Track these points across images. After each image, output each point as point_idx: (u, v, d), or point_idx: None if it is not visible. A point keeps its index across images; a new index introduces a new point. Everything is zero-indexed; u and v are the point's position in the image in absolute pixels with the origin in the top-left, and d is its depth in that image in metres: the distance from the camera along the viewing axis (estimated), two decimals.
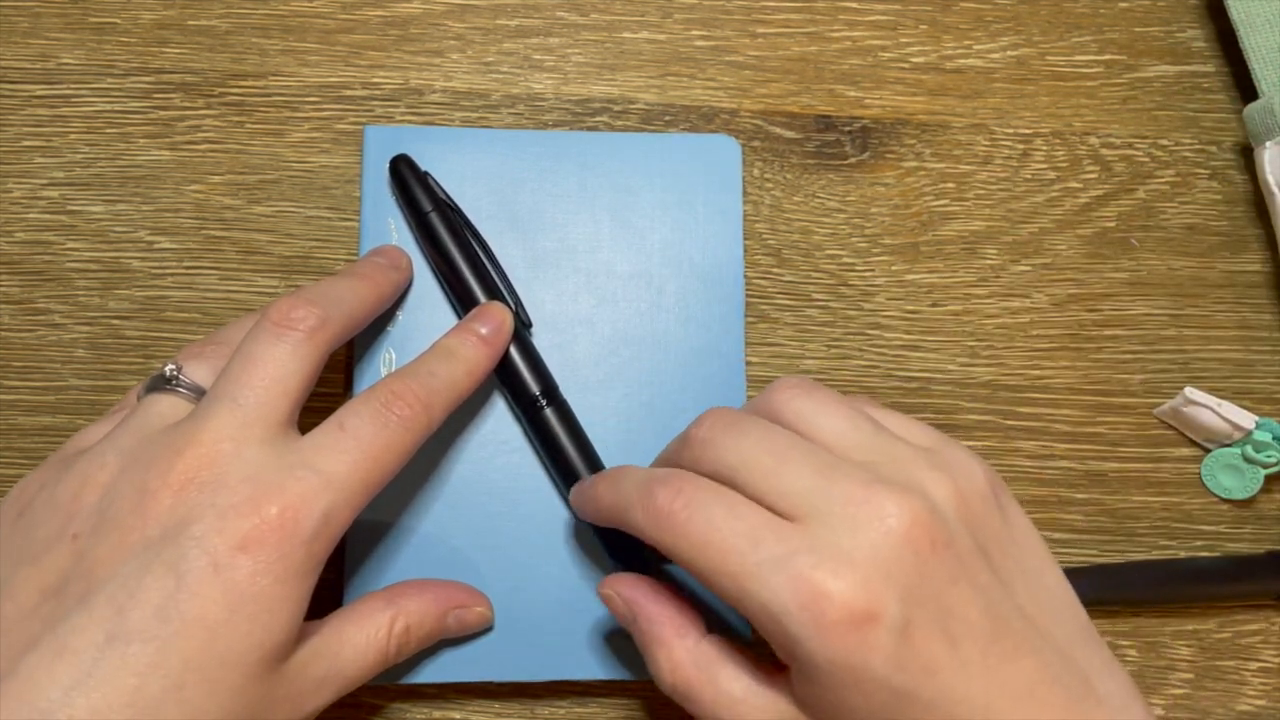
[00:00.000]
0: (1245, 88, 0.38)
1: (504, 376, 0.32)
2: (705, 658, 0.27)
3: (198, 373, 0.29)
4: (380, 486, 0.27)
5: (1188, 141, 0.39)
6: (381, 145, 0.34)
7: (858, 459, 0.26)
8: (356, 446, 0.27)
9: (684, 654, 0.27)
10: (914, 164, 0.37)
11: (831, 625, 0.23)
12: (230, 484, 0.25)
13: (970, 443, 0.36)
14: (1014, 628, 0.25)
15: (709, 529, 0.25)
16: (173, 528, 0.25)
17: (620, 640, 0.32)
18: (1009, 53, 0.38)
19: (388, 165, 0.34)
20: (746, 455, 0.26)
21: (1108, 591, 0.35)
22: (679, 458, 0.28)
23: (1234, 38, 0.37)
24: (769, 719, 0.26)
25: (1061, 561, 0.36)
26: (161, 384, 0.28)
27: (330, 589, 0.33)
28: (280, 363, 0.27)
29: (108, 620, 0.24)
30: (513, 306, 0.33)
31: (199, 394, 0.28)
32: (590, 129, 0.36)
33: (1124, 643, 0.36)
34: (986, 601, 0.25)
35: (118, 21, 0.36)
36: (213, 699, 0.24)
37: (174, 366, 0.28)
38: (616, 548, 0.32)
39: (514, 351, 0.32)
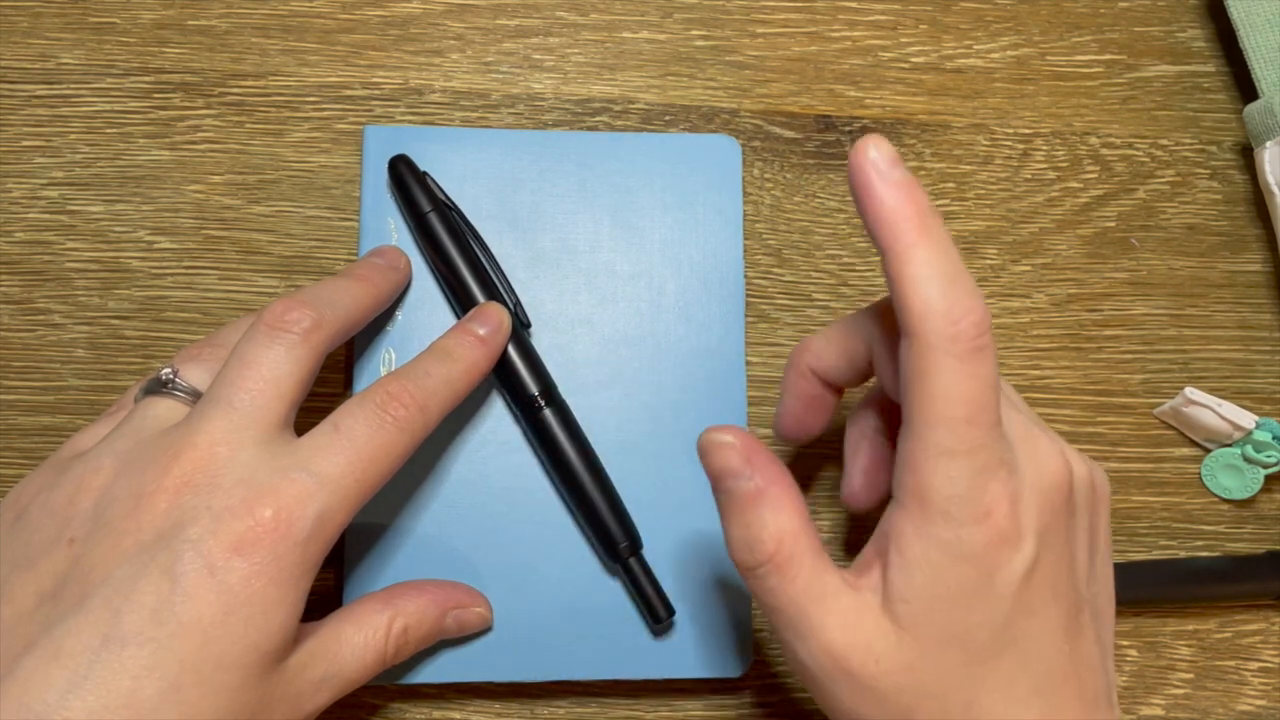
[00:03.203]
0: (1245, 88, 0.38)
1: (503, 377, 0.32)
2: (812, 535, 0.25)
3: (194, 375, 0.29)
4: (376, 488, 0.27)
5: (1188, 141, 0.39)
6: (381, 145, 0.34)
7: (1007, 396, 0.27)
8: (351, 448, 0.27)
9: (796, 523, 0.25)
10: (914, 164, 0.37)
11: (982, 528, 0.24)
12: (225, 487, 0.25)
13: None
14: (1084, 616, 0.26)
15: None
16: (168, 531, 0.25)
17: (620, 640, 0.32)
18: (1009, 53, 0.38)
19: (387, 165, 0.34)
20: None
21: None
22: None
23: (1234, 38, 0.37)
24: (853, 614, 0.25)
25: None
26: (158, 387, 0.28)
27: (331, 590, 0.33)
28: (275, 365, 0.27)
29: (103, 623, 0.24)
30: (511, 307, 0.33)
31: (195, 397, 0.28)
32: (590, 129, 0.36)
33: (1124, 643, 0.36)
34: (1076, 580, 0.26)
35: (118, 21, 0.36)
36: (209, 700, 0.24)
37: (170, 370, 0.29)
38: (601, 538, 0.32)
39: (513, 352, 0.32)
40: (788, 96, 0.37)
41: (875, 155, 0.24)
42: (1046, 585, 0.25)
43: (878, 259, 0.37)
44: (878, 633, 0.25)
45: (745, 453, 0.26)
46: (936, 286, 0.24)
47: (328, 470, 0.26)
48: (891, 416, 0.30)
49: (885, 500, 0.30)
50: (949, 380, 0.24)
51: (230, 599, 0.24)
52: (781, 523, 0.25)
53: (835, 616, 0.25)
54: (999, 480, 0.24)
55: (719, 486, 0.26)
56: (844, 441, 0.31)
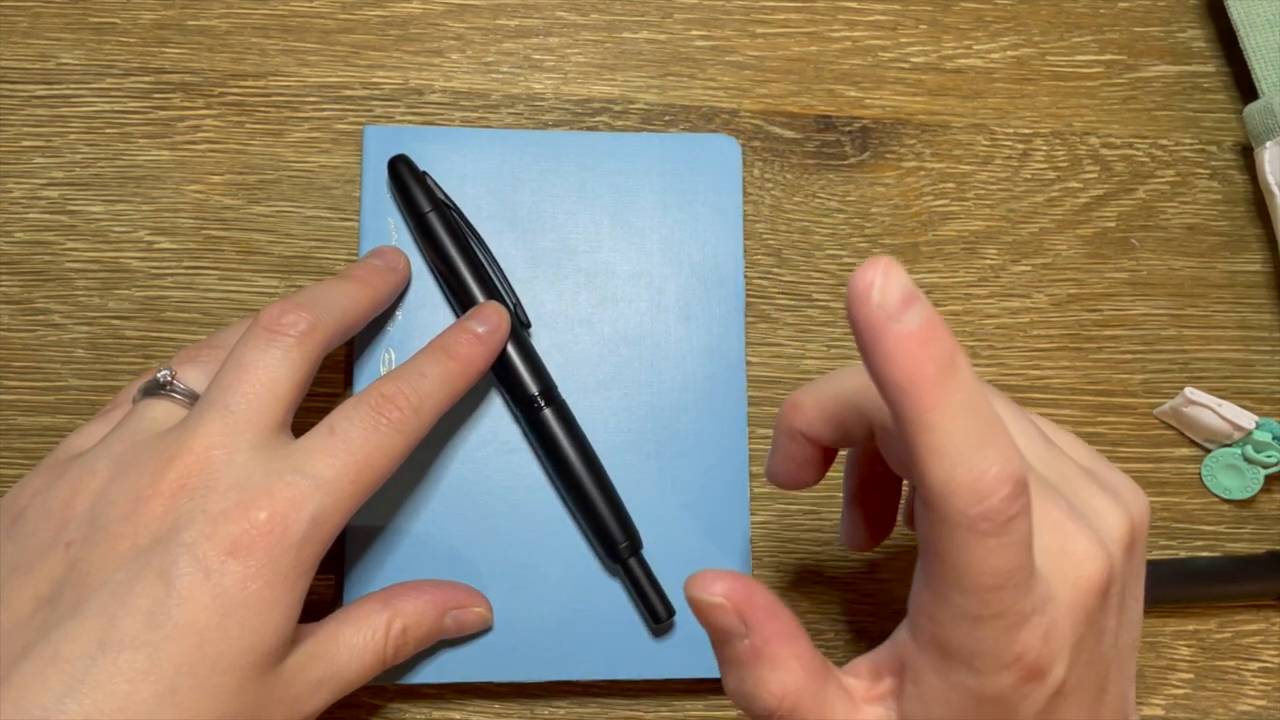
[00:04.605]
0: (1245, 88, 0.38)
1: (502, 376, 0.32)
2: (817, 680, 0.23)
3: (192, 377, 0.29)
4: (372, 489, 0.27)
5: (1188, 141, 0.39)
6: (381, 145, 0.34)
7: (1039, 472, 0.24)
8: (346, 450, 0.27)
9: (797, 678, 0.23)
10: (914, 164, 0.37)
11: (1010, 672, 0.21)
12: (220, 490, 0.25)
13: None
14: (1110, 676, 0.24)
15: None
16: (163, 534, 0.25)
17: (620, 640, 0.32)
18: (1009, 53, 0.38)
19: (386, 165, 0.34)
20: None
21: None
22: None
23: (1234, 38, 0.37)
24: None
25: None
26: (155, 388, 0.28)
27: (330, 590, 0.33)
28: (270, 368, 0.27)
29: (99, 628, 0.24)
30: (511, 306, 0.33)
31: (193, 399, 0.28)
32: (590, 129, 0.36)
33: None
34: (1103, 650, 0.24)
35: (118, 21, 0.36)
36: (205, 703, 0.24)
37: (168, 371, 0.29)
38: (598, 535, 0.32)
39: (512, 351, 0.32)
40: (788, 96, 0.37)
41: (880, 297, 0.19)
42: (1074, 691, 0.22)
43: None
44: None
45: (738, 609, 0.23)
46: (961, 460, 0.20)
47: (323, 473, 0.26)
48: (893, 458, 0.27)
49: (886, 537, 0.28)
50: (976, 556, 0.20)
51: (226, 602, 0.24)
52: (783, 679, 0.23)
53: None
54: (1029, 628, 0.21)
55: (713, 641, 0.24)
56: (844, 481, 0.29)
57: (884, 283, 0.19)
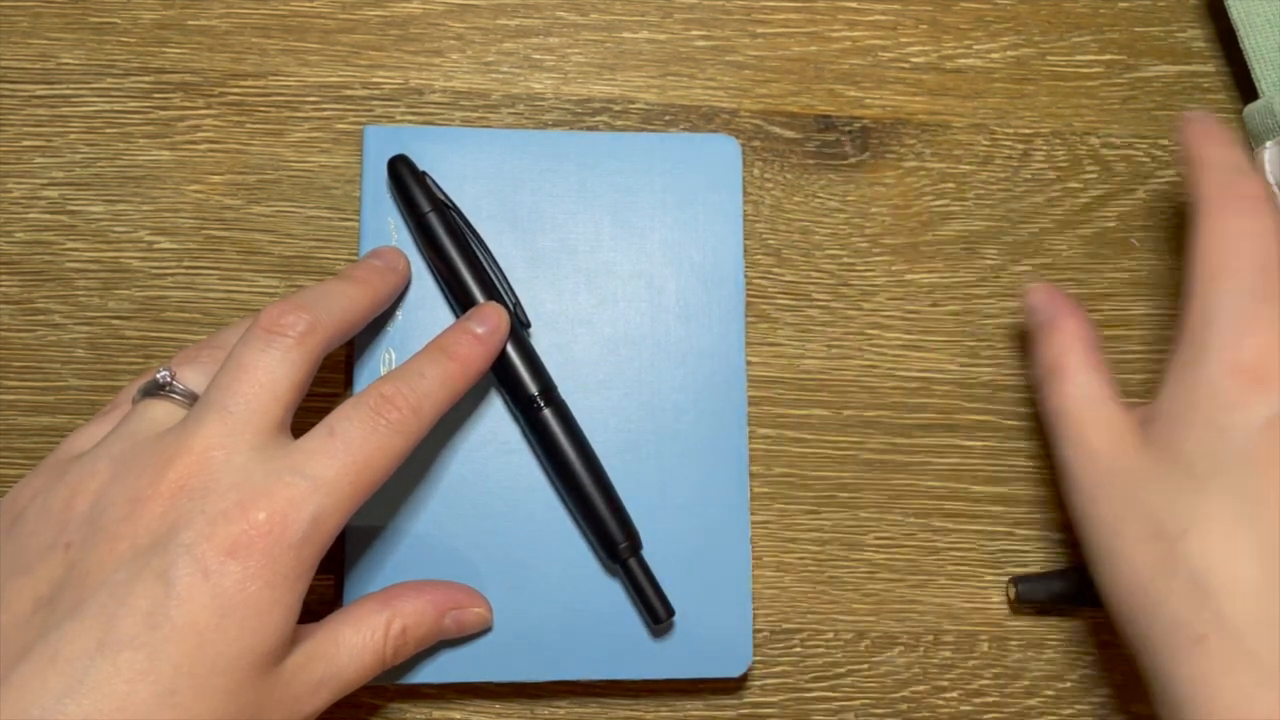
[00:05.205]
0: (1245, 87, 0.38)
1: (502, 376, 0.32)
2: (1091, 399, 0.30)
3: (191, 378, 0.29)
4: (372, 490, 0.27)
5: None
6: (381, 145, 0.34)
7: None
8: (346, 451, 0.27)
9: (1078, 389, 0.30)
10: (914, 164, 0.37)
11: (1233, 356, 0.27)
12: (219, 490, 0.25)
13: (970, 443, 0.36)
14: None
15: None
16: (163, 535, 0.25)
17: (620, 640, 0.32)
18: (1009, 53, 0.38)
19: (386, 165, 0.34)
20: None
21: None
22: None
23: (1234, 38, 0.37)
24: (1113, 423, 0.30)
25: (1062, 562, 0.36)
26: (155, 389, 0.28)
27: (330, 590, 0.33)
28: (270, 369, 0.27)
29: (99, 628, 0.24)
30: (511, 307, 0.33)
31: (192, 399, 0.28)
32: (590, 129, 0.36)
33: None
34: None
35: (118, 21, 0.36)
36: (204, 704, 0.24)
37: (167, 372, 0.29)
38: (602, 538, 0.32)
39: (512, 351, 0.32)
40: (788, 96, 0.37)
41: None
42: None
43: (878, 259, 0.37)
44: (1128, 444, 0.29)
45: (1047, 294, 0.33)
46: None
47: (322, 474, 0.26)
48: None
49: None
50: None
51: (225, 602, 0.24)
52: (1068, 341, 0.31)
53: (1098, 421, 0.30)
54: (1265, 321, 0.27)
55: (1030, 320, 0.33)
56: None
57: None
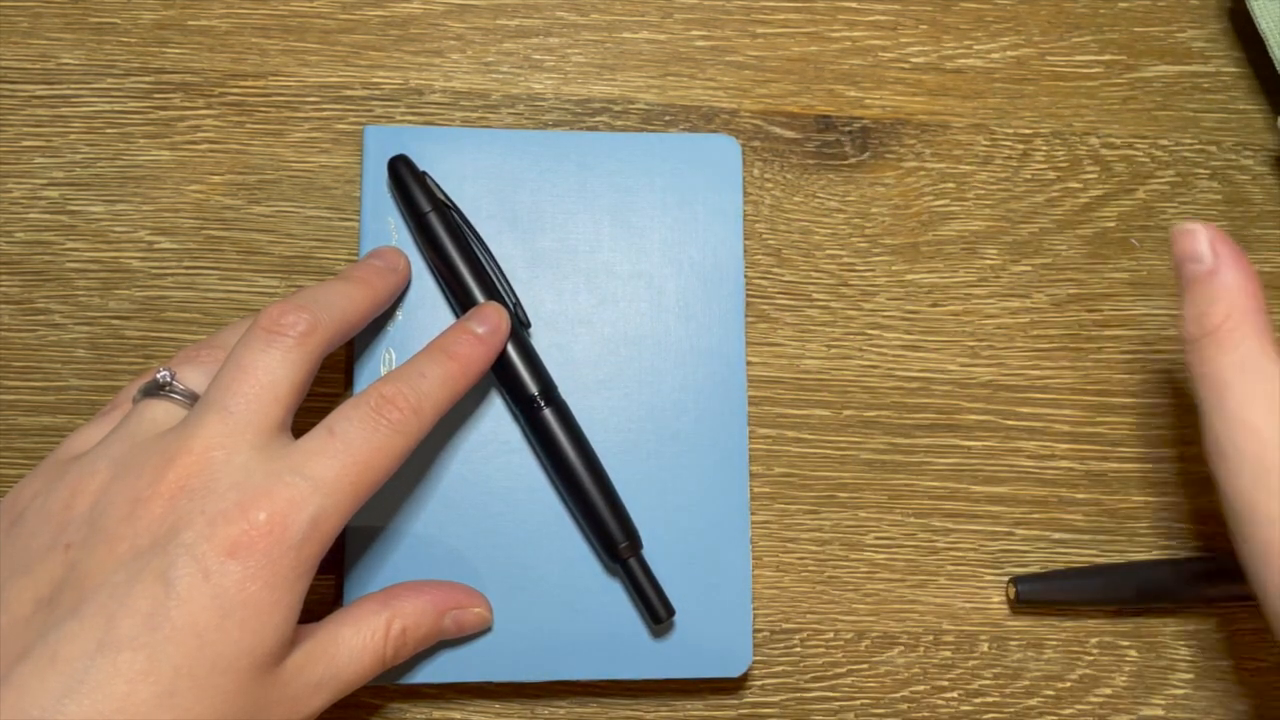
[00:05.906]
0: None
1: (502, 377, 0.32)
2: (1258, 371, 0.27)
3: (191, 378, 0.29)
4: (372, 490, 0.27)
5: (1188, 141, 0.38)
6: (381, 145, 0.34)
7: None
8: (346, 451, 0.27)
9: (1242, 357, 0.27)
10: (914, 164, 0.37)
11: None
12: (219, 490, 0.25)
13: (970, 443, 0.36)
14: None
15: None
16: (163, 536, 0.25)
17: (620, 640, 0.32)
18: (1009, 53, 0.38)
19: (386, 165, 0.34)
20: None
21: (1108, 591, 0.35)
22: None
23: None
24: (1277, 395, 0.27)
25: (1061, 562, 0.36)
26: (155, 389, 0.28)
27: (330, 590, 0.33)
28: (270, 369, 0.27)
29: (99, 629, 0.24)
30: (511, 307, 0.33)
31: (192, 399, 0.28)
32: (590, 129, 0.36)
33: (1124, 643, 0.36)
34: None
35: (118, 21, 0.36)
36: (204, 704, 0.24)
37: (167, 372, 0.29)
38: (600, 536, 0.32)
39: (512, 351, 0.32)
40: (788, 96, 0.37)
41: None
42: None
43: (878, 259, 0.37)
44: None
45: (1208, 239, 0.29)
46: None
47: (322, 474, 0.26)
48: None
49: None
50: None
51: (225, 603, 0.24)
52: (1233, 299, 0.28)
53: (1259, 394, 0.27)
54: None
55: (1181, 270, 0.29)
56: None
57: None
